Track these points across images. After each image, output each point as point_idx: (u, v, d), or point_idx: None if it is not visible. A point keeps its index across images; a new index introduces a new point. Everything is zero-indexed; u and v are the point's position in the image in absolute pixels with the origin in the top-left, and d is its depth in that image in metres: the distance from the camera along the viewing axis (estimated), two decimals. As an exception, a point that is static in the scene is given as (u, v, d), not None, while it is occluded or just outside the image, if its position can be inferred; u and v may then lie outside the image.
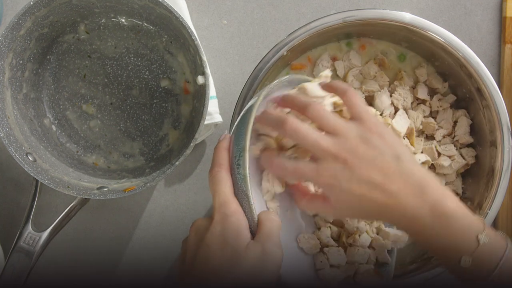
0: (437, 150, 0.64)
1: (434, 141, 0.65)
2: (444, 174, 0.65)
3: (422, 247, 0.62)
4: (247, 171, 0.45)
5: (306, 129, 0.47)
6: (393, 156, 0.46)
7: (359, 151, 0.46)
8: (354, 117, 0.48)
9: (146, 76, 0.71)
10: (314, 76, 0.66)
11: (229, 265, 0.44)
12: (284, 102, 0.51)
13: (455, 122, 0.66)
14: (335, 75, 0.67)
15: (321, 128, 0.48)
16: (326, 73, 0.53)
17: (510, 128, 0.60)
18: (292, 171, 0.48)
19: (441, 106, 0.66)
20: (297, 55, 0.67)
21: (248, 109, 0.49)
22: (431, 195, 0.46)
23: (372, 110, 0.56)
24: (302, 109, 0.48)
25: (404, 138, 0.64)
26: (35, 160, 0.64)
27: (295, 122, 0.47)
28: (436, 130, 0.65)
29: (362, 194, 0.46)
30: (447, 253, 0.47)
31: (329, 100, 0.52)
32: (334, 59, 0.67)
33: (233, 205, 0.46)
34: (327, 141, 0.46)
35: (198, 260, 0.45)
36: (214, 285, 0.44)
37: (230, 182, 0.47)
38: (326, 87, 0.51)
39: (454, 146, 0.65)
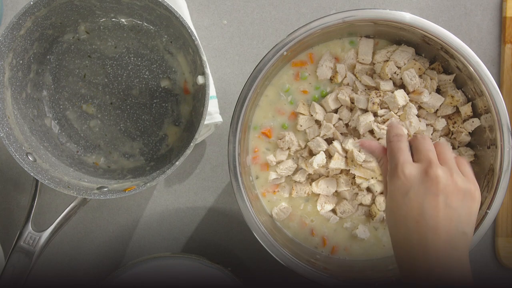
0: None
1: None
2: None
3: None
4: None
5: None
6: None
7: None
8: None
9: (146, 76, 0.71)
10: (316, 76, 0.66)
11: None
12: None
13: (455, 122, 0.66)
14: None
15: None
16: None
17: (510, 128, 0.60)
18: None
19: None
20: (298, 55, 0.66)
21: None
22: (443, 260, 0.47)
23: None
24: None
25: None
26: (35, 160, 0.64)
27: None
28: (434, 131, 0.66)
29: (427, 207, 0.48)
30: None
31: None
32: (337, 59, 0.67)
33: None
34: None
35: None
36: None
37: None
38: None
39: (452, 145, 0.65)
